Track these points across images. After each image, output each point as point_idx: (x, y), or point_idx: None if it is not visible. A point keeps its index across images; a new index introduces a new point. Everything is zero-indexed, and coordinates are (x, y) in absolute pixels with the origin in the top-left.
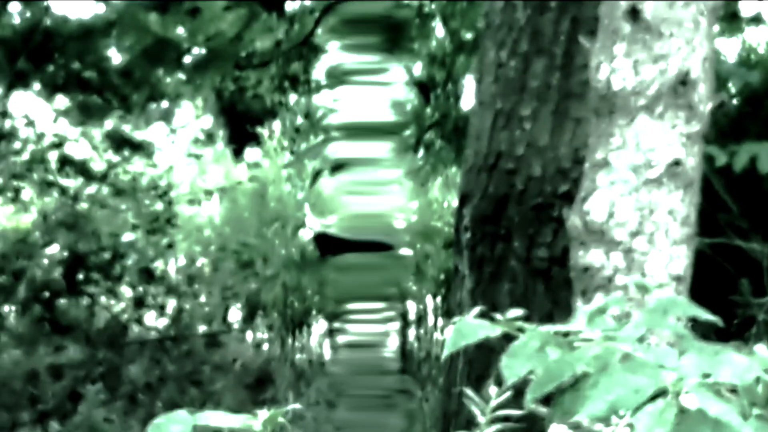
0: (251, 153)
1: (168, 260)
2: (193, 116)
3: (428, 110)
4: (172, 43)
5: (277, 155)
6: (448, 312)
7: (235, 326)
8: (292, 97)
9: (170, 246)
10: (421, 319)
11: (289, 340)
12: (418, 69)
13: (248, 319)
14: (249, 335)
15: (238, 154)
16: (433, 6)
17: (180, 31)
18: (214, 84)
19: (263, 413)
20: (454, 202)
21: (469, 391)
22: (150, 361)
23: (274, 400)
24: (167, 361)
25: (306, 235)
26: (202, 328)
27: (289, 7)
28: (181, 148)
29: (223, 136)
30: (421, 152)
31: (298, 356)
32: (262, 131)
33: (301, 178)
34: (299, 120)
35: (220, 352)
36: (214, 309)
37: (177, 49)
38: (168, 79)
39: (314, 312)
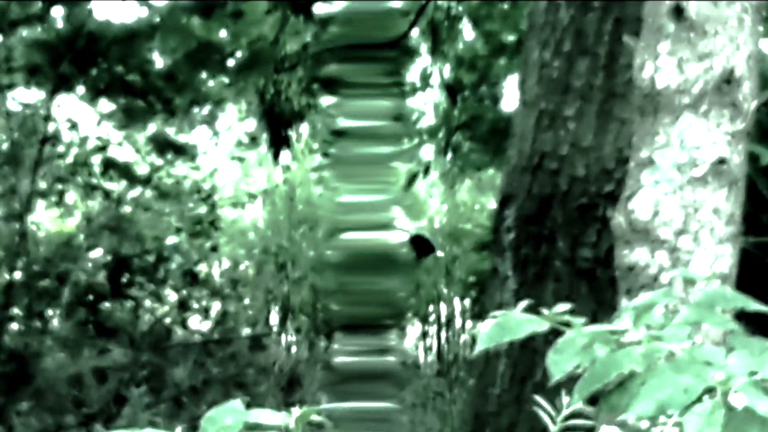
0: (285, 156)
1: (212, 263)
2: (236, 119)
3: (455, 113)
4: (215, 47)
5: (305, 158)
6: (483, 314)
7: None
8: (325, 100)
9: (214, 249)
10: (450, 321)
11: (322, 343)
12: (447, 71)
13: (282, 322)
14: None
15: (276, 156)
16: (460, 8)
17: (222, 34)
18: (257, 87)
19: (296, 410)
20: (490, 204)
21: (539, 399)
22: (194, 364)
23: (302, 402)
24: (211, 364)
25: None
26: (246, 331)
27: (319, 10)
28: (224, 152)
29: (265, 138)
30: (449, 155)
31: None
32: (292, 134)
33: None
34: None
35: (263, 355)
36: (257, 312)
37: (220, 52)
38: (211, 83)
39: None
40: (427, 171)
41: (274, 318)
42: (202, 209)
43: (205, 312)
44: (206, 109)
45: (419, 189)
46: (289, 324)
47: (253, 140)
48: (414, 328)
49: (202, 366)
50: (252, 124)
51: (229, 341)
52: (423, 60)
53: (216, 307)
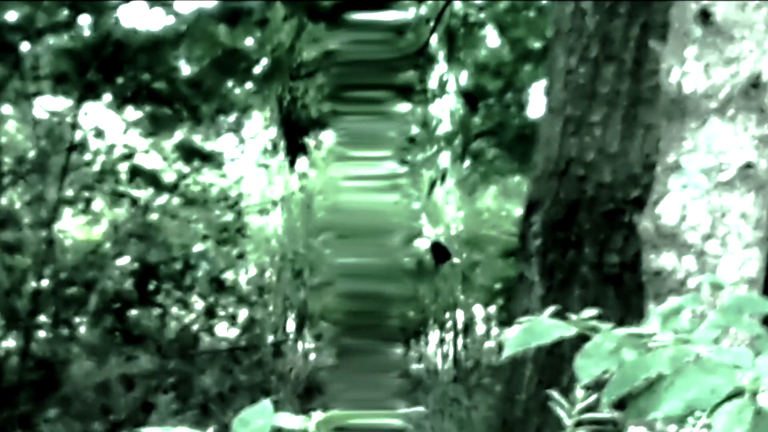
0: (302, 163)
1: (239, 270)
2: (262, 127)
3: (476, 119)
4: (241, 54)
5: (326, 165)
6: (509, 320)
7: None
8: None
9: (240, 256)
10: (468, 328)
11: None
12: (464, 78)
13: (299, 329)
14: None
15: (292, 164)
16: (482, 15)
17: (249, 42)
18: (276, 94)
19: (318, 414)
20: (516, 211)
21: (554, 393)
22: (221, 371)
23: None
24: (239, 371)
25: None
26: (270, 338)
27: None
28: (250, 159)
29: (283, 146)
30: (467, 161)
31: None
32: (309, 141)
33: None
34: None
35: (281, 362)
36: (277, 319)
37: (246, 59)
38: (238, 90)
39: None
40: (443, 178)
41: (291, 325)
42: (229, 217)
43: (232, 319)
44: (233, 116)
45: (437, 196)
46: (307, 331)
47: (274, 147)
48: (434, 334)
49: (230, 373)
50: (274, 131)
51: (255, 348)
52: (440, 67)
53: (243, 314)
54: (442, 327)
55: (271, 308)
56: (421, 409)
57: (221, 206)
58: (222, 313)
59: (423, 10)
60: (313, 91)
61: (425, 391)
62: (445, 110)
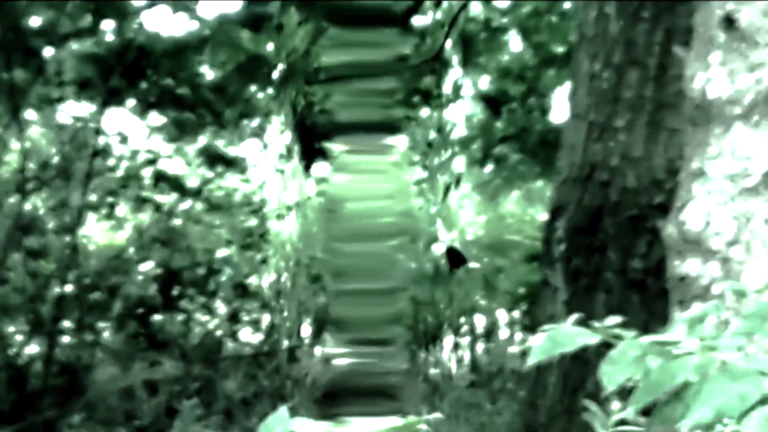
0: (320, 168)
1: (261, 276)
2: (279, 132)
3: (499, 124)
4: (263, 59)
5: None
6: (533, 325)
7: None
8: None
9: (263, 261)
10: (490, 333)
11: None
12: (484, 83)
13: (317, 334)
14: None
15: (307, 169)
16: (505, 20)
17: (269, 47)
18: (291, 99)
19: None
20: (540, 216)
21: (591, 405)
22: (245, 376)
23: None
24: (262, 377)
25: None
26: (285, 343)
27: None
28: (270, 164)
29: (297, 151)
30: (490, 166)
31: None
32: (332, 147)
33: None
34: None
35: (296, 367)
36: (292, 324)
37: (267, 65)
38: (260, 95)
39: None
40: (458, 182)
41: (306, 330)
42: (252, 222)
43: (255, 324)
44: (255, 121)
45: (451, 200)
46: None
47: (289, 152)
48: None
49: (253, 378)
50: (289, 136)
51: (277, 353)
52: (454, 72)
53: (266, 319)
54: (456, 332)
55: (286, 313)
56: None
57: (245, 211)
58: (246, 318)
59: (439, 14)
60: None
61: (440, 396)
62: (460, 115)
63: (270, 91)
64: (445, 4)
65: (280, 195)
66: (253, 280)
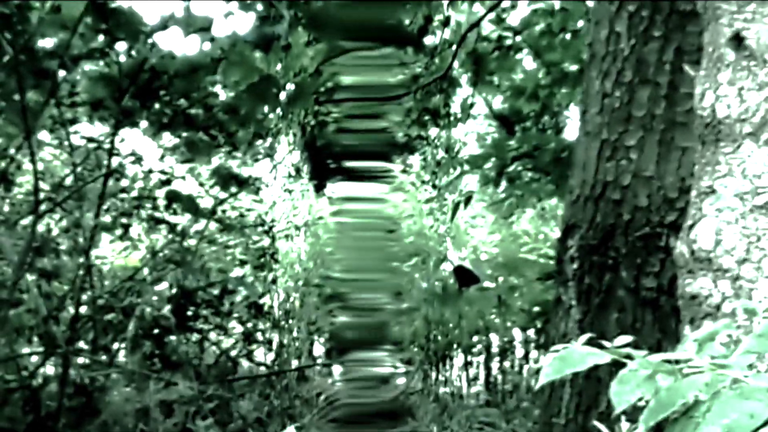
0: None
1: (272, 295)
2: (287, 152)
3: (512, 143)
4: (273, 79)
5: (417, 189)
6: (547, 343)
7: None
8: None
9: (274, 281)
10: (505, 351)
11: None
12: (496, 102)
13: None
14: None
15: (319, 189)
16: (518, 38)
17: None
18: (299, 119)
19: None
20: (554, 234)
21: (600, 426)
22: (258, 396)
23: None
24: (275, 396)
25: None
26: (294, 363)
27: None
28: (279, 184)
29: (307, 170)
30: (503, 185)
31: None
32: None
33: (442, 212)
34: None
35: (306, 386)
36: (301, 343)
37: (277, 85)
38: (271, 115)
39: (454, 345)
40: (468, 201)
41: (318, 349)
42: (265, 242)
43: (268, 344)
44: (266, 142)
45: (459, 220)
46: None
47: (297, 172)
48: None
49: (266, 398)
50: (297, 156)
51: (288, 373)
52: (462, 91)
53: (276, 339)
54: (467, 351)
55: (295, 333)
56: None
57: (257, 231)
58: (260, 338)
59: (447, 34)
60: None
61: (449, 415)
62: (470, 134)
63: (278, 111)
64: (453, 23)
65: (288, 215)
66: (265, 300)
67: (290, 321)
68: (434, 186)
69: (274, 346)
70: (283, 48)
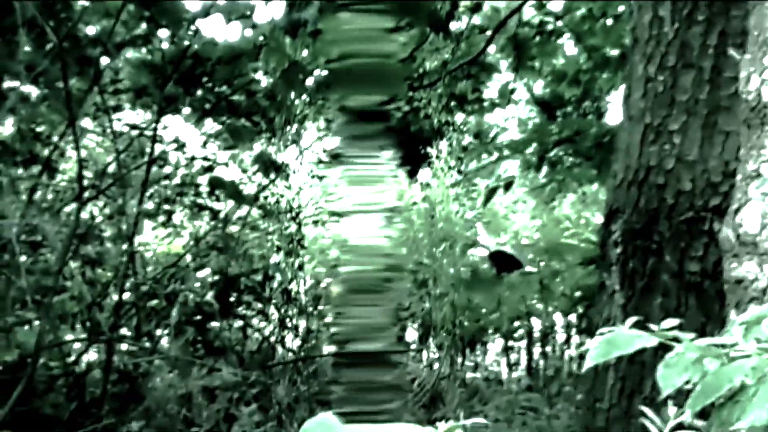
0: (424, 173)
1: (299, 281)
2: (315, 138)
3: (553, 128)
4: (300, 65)
5: (445, 175)
6: (590, 328)
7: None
8: (458, 116)
9: (300, 267)
10: (547, 336)
11: (459, 359)
12: (539, 87)
13: (423, 339)
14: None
15: (412, 175)
16: (560, 23)
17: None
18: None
19: (442, 425)
20: (595, 219)
21: (647, 410)
22: (289, 381)
23: (445, 419)
24: (299, 382)
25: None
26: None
27: (455, 26)
28: (305, 170)
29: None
30: (544, 170)
31: (470, 374)
32: (431, 151)
33: (470, 198)
34: (466, 139)
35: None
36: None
37: (304, 71)
38: (297, 102)
39: (490, 331)
40: (509, 186)
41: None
42: (293, 228)
43: (296, 330)
44: (293, 128)
45: (497, 205)
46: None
47: (335, 158)
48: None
49: (294, 384)
50: (335, 141)
51: (314, 359)
52: (501, 76)
53: (303, 324)
54: (507, 336)
55: (329, 318)
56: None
57: (288, 217)
58: (289, 324)
59: (477, 19)
60: (435, 101)
61: (482, 400)
62: (511, 119)
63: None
64: (486, 9)
65: (317, 201)
66: (293, 286)
67: (319, 307)
68: (459, 171)
69: (300, 332)
70: (311, 34)
